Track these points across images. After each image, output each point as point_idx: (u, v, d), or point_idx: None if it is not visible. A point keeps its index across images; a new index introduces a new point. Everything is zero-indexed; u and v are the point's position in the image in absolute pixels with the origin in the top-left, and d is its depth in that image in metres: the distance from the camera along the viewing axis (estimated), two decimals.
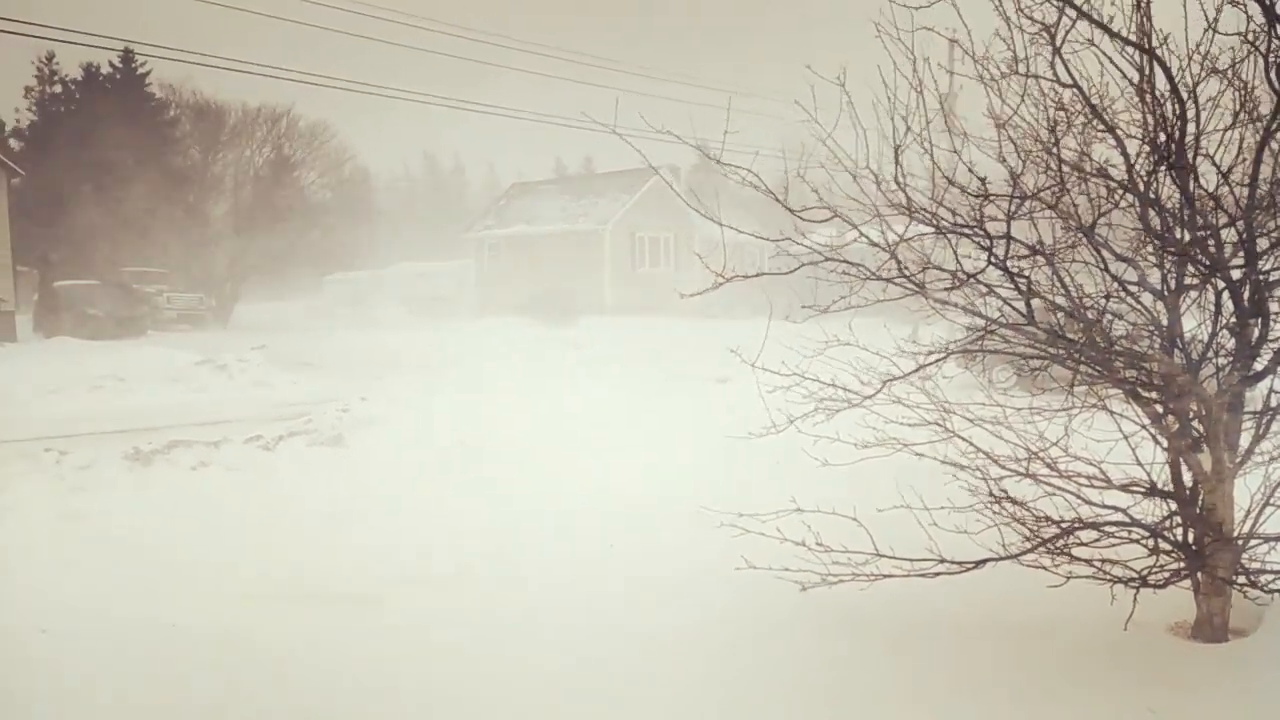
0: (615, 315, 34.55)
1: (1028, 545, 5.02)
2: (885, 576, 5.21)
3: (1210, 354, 4.82)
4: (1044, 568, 5.03)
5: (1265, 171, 4.57)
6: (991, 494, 5.13)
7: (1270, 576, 4.85)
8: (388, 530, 7.92)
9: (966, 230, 4.83)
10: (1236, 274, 4.64)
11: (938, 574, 5.14)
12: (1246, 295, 4.64)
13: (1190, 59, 4.44)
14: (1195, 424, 4.87)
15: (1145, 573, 4.96)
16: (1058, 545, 4.98)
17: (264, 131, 40.40)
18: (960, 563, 5.10)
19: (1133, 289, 4.91)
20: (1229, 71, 4.53)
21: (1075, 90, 4.59)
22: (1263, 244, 4.63)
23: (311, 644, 5.54)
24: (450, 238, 53.83)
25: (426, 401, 13.93)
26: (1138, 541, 5.01)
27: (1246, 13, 4.29)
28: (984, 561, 5.07)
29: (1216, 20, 4.34)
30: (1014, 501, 5.10)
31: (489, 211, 46.10)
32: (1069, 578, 5.00)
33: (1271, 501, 4.88)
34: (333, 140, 42.04)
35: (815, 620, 5.48)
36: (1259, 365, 4.71)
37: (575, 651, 5.37)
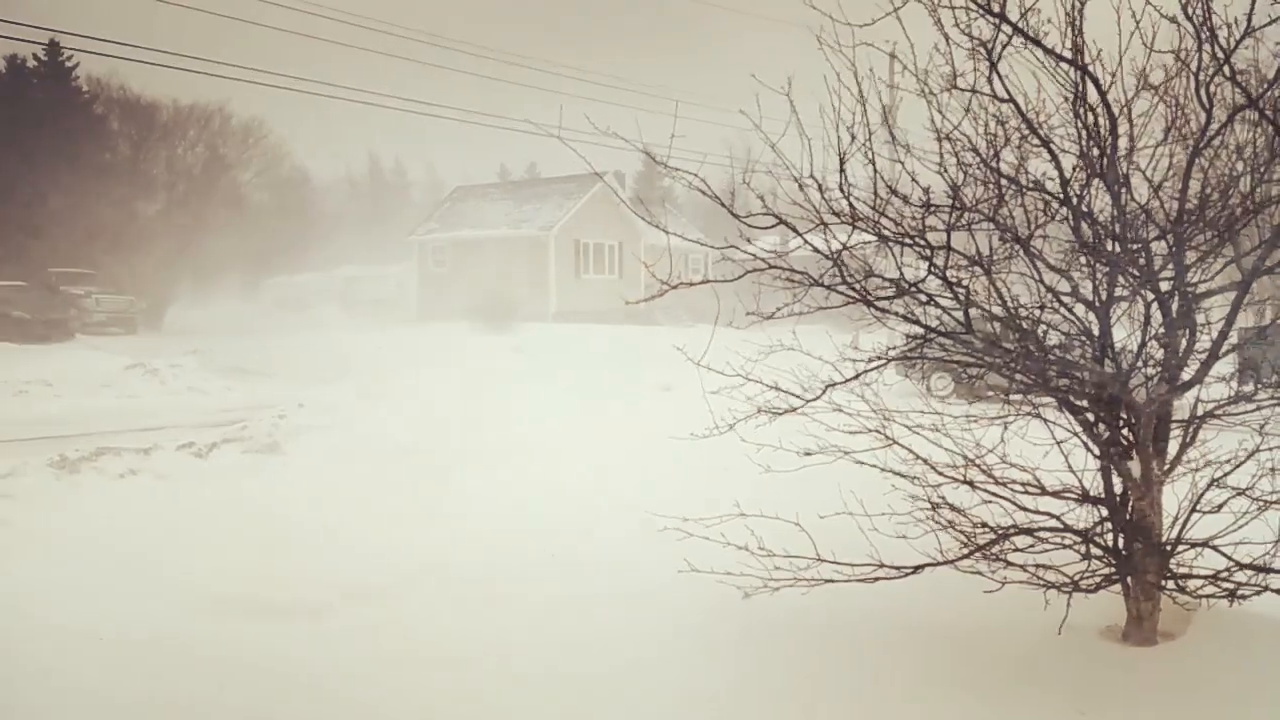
0: (560, 322, 34.44)
1: (965, 551, 5.11)
2: (826, 581, 5.25)
3: (1140, 364, 4.95)
4: (980, 573, 5.12)
5: (1194, 186, 4.71)
6: (929, 501, 5.21)
7: (1198, 581, 4.99)
8: (326, 539, 7.77)
9: (908, 240, 4.90)
10: (1165, 286, 4.78)
11: (877, 579, 5.19)
12: (1175, 306, 4.78)
13: (1120, 71, 4.57)
14: (1125, 432, 5.00)
15: (1078, 578, 5.07)
16: (993, 551, 5.07)
17: (197, 129, 39.46)
18: (899, 568, 5.17)
19: (1066, 299, 5.03)
20: (1161, 88, 4.66)
21: (1012, 105, 4.69)
22: (1191, 257, 4.78)
23: (248, 656, 5.40)
24: (392, 241, 53.19)
25: (367, 408, 13.73)
26: (1070, 547, 5.13)
27: (1180, 31, 4.42)
28: (922, 567, 5.14)
29: (1154, 39, 4.46)
30: (951, 508, 5.18)
31: (432, 215, 45.64)
32: (1004, 583, 5.09)
33: (1198, 508, 5.02)
34: (269, 138, 41.22)
35: (757, 624, 5.50)
36: (1186, 375, 4.84)
37: (518, 658, 5.32)
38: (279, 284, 53.05)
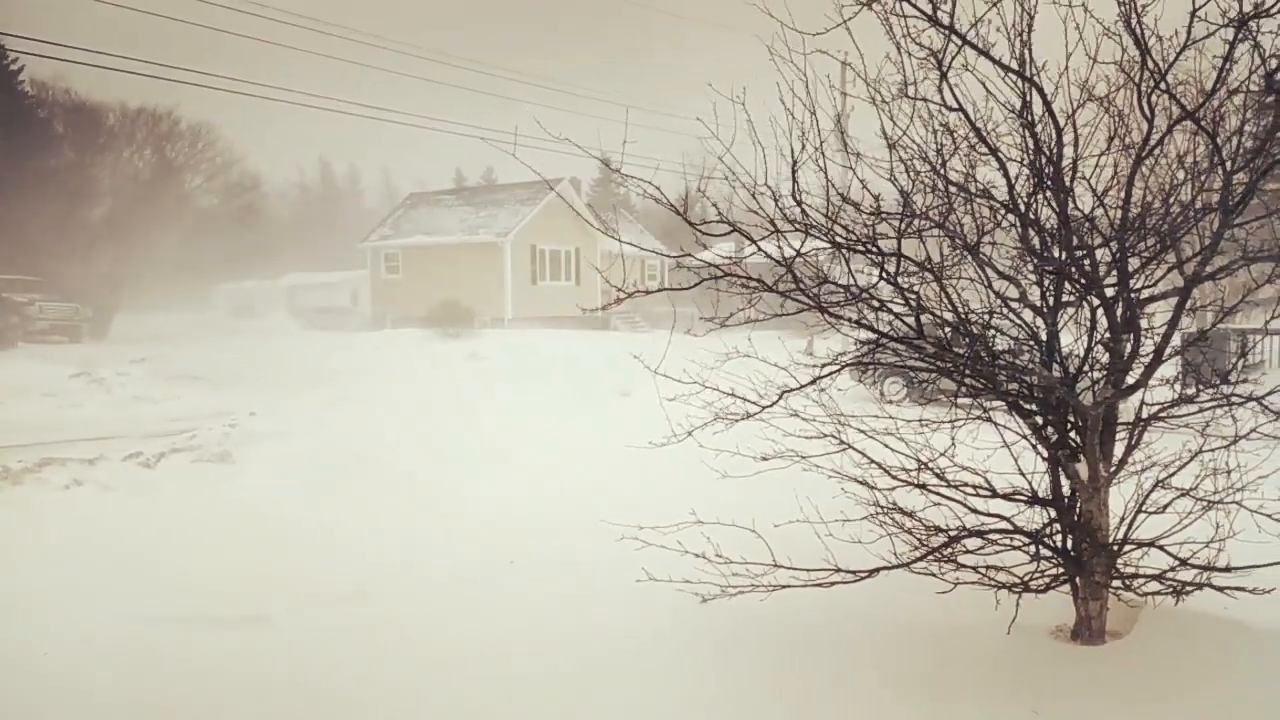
0: (516, 329, 34.32)
1: (917, 554, 5.18)
2: (783, 587, 5.29)
3: (1086, 368, 5.06)
4: (933, 575, 5.19)
5: (1137, 195, 4.83)
6: (882, 505, 5.27)
7: (1144, 580, 5.11)
8: (278, 550, 7.65)
9: (860, 247, 4.96)
10: (1110, 292, 4.89)
11: (833, 583, 5.25)
12: (1119, 312, 4.89)
13: (1066, 84, 4.68)
14: (1072, 435, 5.10)
15: (1027, 578, 5.16)
16: (945, 553, 5.15)
17: (144, 133, 38.70)
18: (854, 572, 5.22)
19: (1014, 305, 5.13)
20: (1105, 99, 4.78)
21: (961, 114, 4.77)
22: (1134, 263, 4.89)
23: (196, 669, 5.30)
24: (345, 247, 52.63)
25: (320, 416, 13.57)
26: (1020, 548, 5.22)
27: (1122, 44, 4.53)
28: (877, 570, 5.20)
29: (1097, 49, 4.57)
30: (904, 512, 5.25)
31: (385, 221, 45.24)
32: (956, 584, 5.17)
33: (1144, 508, 5.13)
34: (218, 142, 40.54)
35: (715, 630, 5.52)
36: (1131, 379, 4.95)
37: (474, 666, 5.29)
38: (229, 291, 52.30)
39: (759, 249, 5.12)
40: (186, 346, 28.23)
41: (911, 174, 4.97)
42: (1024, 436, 5.27)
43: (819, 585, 5.27)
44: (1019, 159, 4.83)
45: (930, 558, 5.16)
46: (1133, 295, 4.87)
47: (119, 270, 36.50)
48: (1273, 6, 4.19)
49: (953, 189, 4.91)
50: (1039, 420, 5.17)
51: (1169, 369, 5.17)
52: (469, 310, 32.38)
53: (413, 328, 33.23)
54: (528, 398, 16.08)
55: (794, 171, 4.82)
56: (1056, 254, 4.92)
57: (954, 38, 4.56)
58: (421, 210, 43.59)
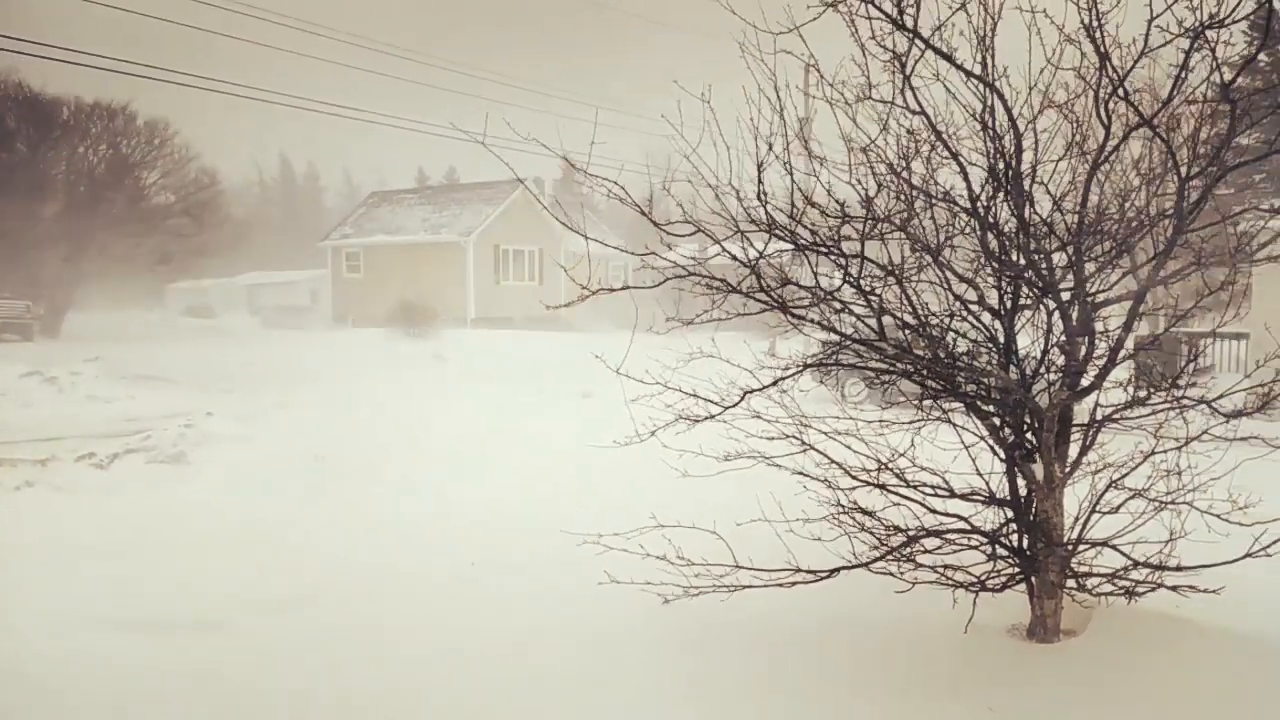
0: (479, 328, 34.14)
1: (877, 554, 5.22)
2: (744, 587, 5.31)
3: (1042, 370, 5.13)
4: (892, 574, 5.23)
5: (1093, 200, 4.91)
6: (843, 505, 5.31)
7: (1097, 580, 5.19)
8: (234, 552, 7.54)
9: (823, 249, 5.00)
10: (1066, 295, 4.96)
11: (794, 583, 5.27)
12: (1075, 315, 4.97)
13: (1030, 92, 4.74)
14: (1029, 436, 5.17)
15: (984, 577, 5.23)
16: (904, 553, 5.20)
17: (99, 128, 37.86)
18: (815, 572, 5.25)
19: (973, 308, 5.19)
20: (1064, 106, 4.85)
21: (923, 118, 4.82)
22: (1090, 267, 4.97)
23: (146, 674, 5.20)
24: (305, 246, 52.05)
25: (278, 417, 13.39)
26: (977, 548, 5.28)
27: (1081, 51, 4.60)
28: (837, 570, 5.24)
29: (1059, 58, 4.64)
30: (864, 512, 5.29)
31: (346, 219, 44.80)
32: (914, 583, 5.22)
33: (1098, 508, 5.21)
34: (175, 138, 39.76)
35: (677, 631, 5.52)
36: (1086, 381, 5.03)
37: (434, 669, 5.24)
38: (185, 289, 51.49)
39: (723, 249, 5.13)
40: (141, 346, 27.75)
41: (874, 176, 5.01)
42: (982, 438, 5.33)
43: (780, 585, 5.29)
44: (980, 163, 4.89)
45: (889, 557, 5.21)
46: (1088, 299, 4.95)
47: (72, 268, 35.73)
48: (1227, 17, 4.28)
49: (914, 192, 4.95)
50: (996, 421, 5.24)
51: (1122, 371, 5.26)
52: (431, 310, 32.15)
53: (374, 327, 32.93)
54: (490, 398, 16.00)
55: (759, 172, 4.84)
56: (1015, 258, 4.98)
57: (917, 41, 4.61)
58: (383, 209, 43.23)
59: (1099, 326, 5.06)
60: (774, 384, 5.33)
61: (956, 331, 5.24)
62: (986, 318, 5.22)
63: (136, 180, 38.94)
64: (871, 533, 5.28)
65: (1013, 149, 4.79)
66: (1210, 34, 4.33)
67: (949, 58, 4.67)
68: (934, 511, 5.28)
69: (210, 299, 50.26)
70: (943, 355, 5.01)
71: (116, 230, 36.12)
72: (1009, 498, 5.28)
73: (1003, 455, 5.25)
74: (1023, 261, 4.94)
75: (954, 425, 5.47)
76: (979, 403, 5.20)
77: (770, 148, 4.84)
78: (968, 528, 5.24)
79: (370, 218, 42.94)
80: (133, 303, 46.17)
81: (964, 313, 5.20)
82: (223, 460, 10.38)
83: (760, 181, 4.85)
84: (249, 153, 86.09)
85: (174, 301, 51.32)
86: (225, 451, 10.71)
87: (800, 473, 5.40)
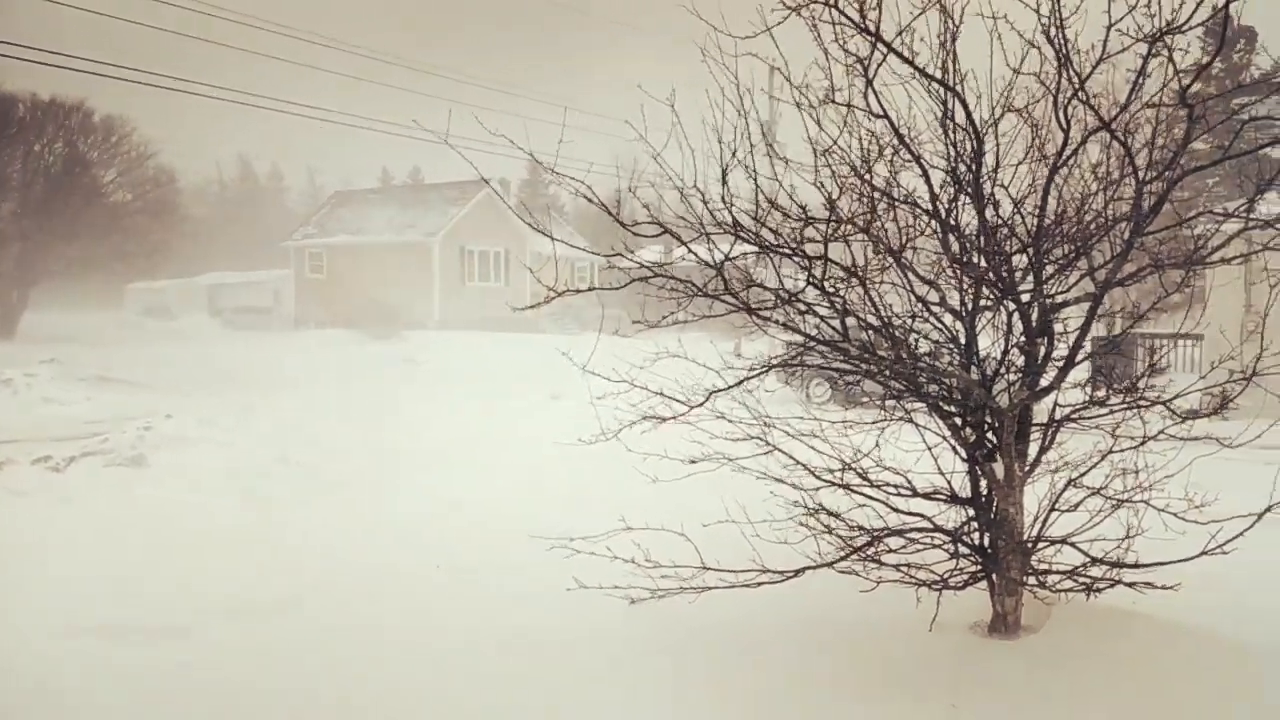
0: (444, 330, 33.93)
1: (842, 553, 5.26)
2: (711, 589, 5.32)
3: (1002, 370, 5.20)
4: (856, 574, 5.27)
5: (1052, 203, 4.98)
6: (807, 506, 5.34)
7: (1056, 577, 5.26)
8: (194, 556, 7.43)
9: (787, 251, 5.03)
10: (1026, 296, 5.03)
11: (760, 584, 5.30)
12: (1034, 316, 5.04)
13: (989, 93, 4.81)
14: (989, 435, 5.24)
15: (947, 575, 5.28)
16: (868, 552, 5.24)
17: (55, 126, 37.17)
18: (781, 572, 5.28)
19: (935, 309, 5.25)
20: (1024, 110, 4.92)
21: (885, 121, 4.87)
22: (1049, 269, 5.05)
23: (106, 680, 5.11)
24: (266, 246, 51.41)
25: (240, 419, 13.23)
26: (940, 546, 5.34)
27: (1042, 55, 4.66)
28: (802, 570, 5.27)
29: (1022, 62, 4.70)
30: (829, 512, 5.33)
31: (310, 219, 44.36)
32: (879, 582, 5.26)
33: (1057, 507, 5.29)
34: (133, 136, 39.10)
35: (644, 632, 5.52)
36: (1045, 380, 5.11)
37: (400, 670, 5.20)
38: (143, 290, 50.67)
39: (689, 250, 5.15)
40: (99, 347, 27.29)
41: (838, 179, 5.05)
42: (944, 438, 5.39)
43: (746, 586, 5.32)
44: (941, 166, 4.94)
45: (854, 557, 5.25)
46: (1047, 300, 5.02)
47: (27, 268, 35.07)
48: (1184, 24, 4.37)
49: (876, 195, 5.00)
50: (958, 421, 5.30)
51: (1081, 372, 5.34)
52: (396, 311, 31.94)
53: (338, 329, 32.66)
54: (456, 400, 15.93)
55: (724, 175, 4.86)
56: (976, 260, 5.04)
57: (880, 45, 4.65)
58: (347, 209, 42.86)
59: (1058, 328, 5.13)
60: (739, 384, 5.36)
61: (919, 332, 5.30)
62: (948, 319, 5.28)
63: (93, 178, 38.30)
64: (836, 533, 5.31)
65: (973, 152, 4.85)
66: (1168, 39, 4.41)
67: (911, 62, 4.71)
68: (897, 511, 5.33)
69: (168, 300, 49.48)
70: (905, 356, 5.06)
71: (73, 229, 35.49)
72: (970, 496, 5.34)
73: (964, 455, 5.31)
74: (984, 263, 5.01)
75: (916, 425, 5.53)
76: (941, 403, 5.26)
77: (734, 153, 4.86)
78: (930, 527, 5.30)
79: (334, 218, 42.55)
80: (90, 304, 45.37)
81: (926, 314, 5.26)
82: (183, 463, 10.23)
83: (725, 184, 4.87)
84: (210, 151, 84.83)
85: (132, 302, 50.48)
86: (185, 454, 10.56)
87: (766, 474, 5.42)
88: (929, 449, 5.48)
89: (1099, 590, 5.18)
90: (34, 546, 7.57)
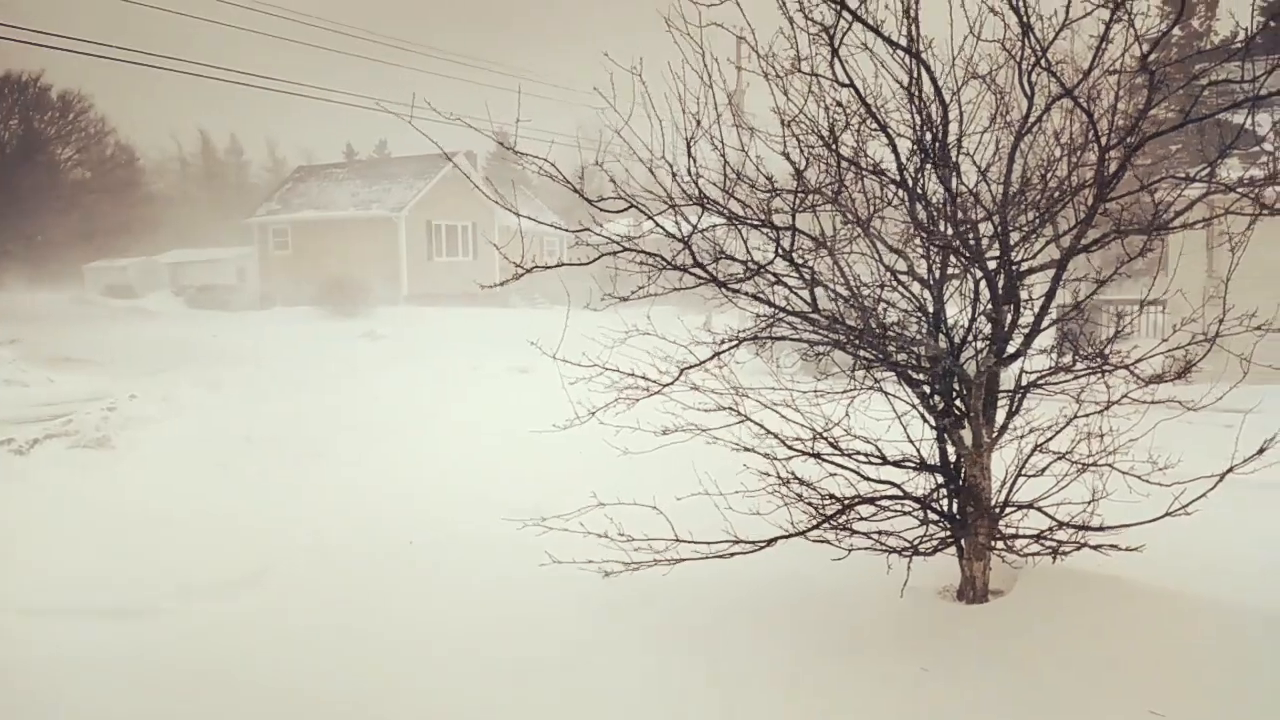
0: (412, 305, 33.67)
1: (813, 522, 5.30)
2: (683, 560, 5.35)
3: (970, 337, 5.24)
4: (828, 542, 5.32)
5: (1017, 170, 5.01)
6: (779, 476, 5.37)
7: (1024, 541, 5.34)
8: (161, 537, 7.36)
9: (755, 222, 5.01)
10: (992, 264, 5.06)
11: (734, 554, 5.33)
12: (1001, 283, 5.07)
13: (952, 60, 4.80)
14: (958, 403, 5.29)
15: (917, 542, 5.34)
16: (839, 521, 5.28)
17: (10, 101, 36.33)
18: (754, 542, 5.32)
19: (903, 278, 5.26)
20: (988, 77, 4.92)
21: (852, 90, 4.85)
22: (1015, 237, 5.07)
23: (73, 661, 5.07)
24: (229, 223, 50.63)
25: (206, 398, 13.09)
26: (909, 514, 5.40)
27: (1004, 22, 4.66)
28: (774, 540, 5.31)
29: (980, 29, 4.69)
30: (801, 482, 5.37)
31: (273, 195, 43.68)
32: (850, 550, 5.32)
33: (1024, 472, 5.36)
34: (90, 112, 38.31)
35: (618, 603, 5.55)
36: (1011, 348, 5.15)
37: (371, 649, 5.20)
38: (103, 269, 49.76)
39: (656, 224, 5.12)
40: (61, 327, 26.82)
41: (805, 149, 5.03)
42: (913, 405, 5.43)
43: (720, 557, 5.35)
44: (908, 135, 4.94)
45: (825, 525, 5.29)
46: (1013, 267, 5.05)
47: None
48: None
49: (844, 164, 4.99)
50: (926, 389, 5.34)
51: (1046, 339, 5.39)
52: (362, 287, 31.60)
53: (304, 306, 32.28)
54: (425, 377, 15.83)
55: (689, 147, 4.83)
56: (943, 228, 5.06)
57: (845, 13, 4.62)
58: (311, 184, 42.26)
59: (1024, 295, 5.17)
60: (711, 358, 5.36)
61: (887, 302, 5.32)
62: (916, 288, 5.30)
63: (51, 156, 37.53)
64: (808, 502, 5.35)
65: (939, 120, 4.85)
66: (1129, 5, 4.42)
67: (876, 30, 4.69)
68: (868, 479, 5.38)
69: (130, 278, 48.68)
70: (874, 325, 5.08)
71: (31, 208, 34.79)
72: (939, 463, 5.40)
73: (933, 422, 5.36)
74: (950, 232, 5.02)
75: (886, 394, 5.57)
76: (910, 371, 5.29)
77: (699, 123, 4.83)
78: (900, 494, 5.35)
79: (297, 193, 41.94)
80: (50, 283, 44.48)
81: (894, 283, 5.28)
82: (148, 444, 10.12)
83: (690, 155, 4.84)
84: (167, 126, 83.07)
85: (93, 281, 49.64)
86: (150, 434, 10.45)
87: (739, 444, 5.44)
88: (898, 417, 5.52)
89: (1065, 553, 5.27)
90: None
